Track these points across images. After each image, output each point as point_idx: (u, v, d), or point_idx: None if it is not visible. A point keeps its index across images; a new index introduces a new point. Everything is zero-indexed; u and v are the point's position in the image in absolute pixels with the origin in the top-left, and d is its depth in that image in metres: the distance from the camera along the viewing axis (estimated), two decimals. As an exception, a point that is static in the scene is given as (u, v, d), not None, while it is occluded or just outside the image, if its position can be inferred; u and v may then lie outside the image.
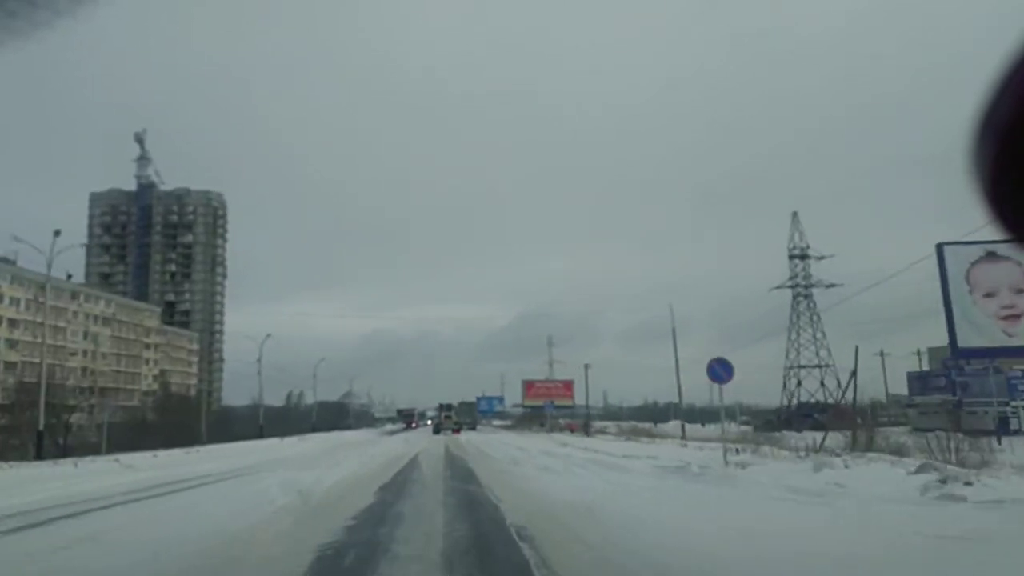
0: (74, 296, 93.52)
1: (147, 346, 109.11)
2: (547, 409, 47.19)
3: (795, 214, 66.53)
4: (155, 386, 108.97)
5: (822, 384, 64.99)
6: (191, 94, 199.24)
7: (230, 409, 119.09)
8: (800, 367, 65.47)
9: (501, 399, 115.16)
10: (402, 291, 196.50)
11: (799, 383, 64.77)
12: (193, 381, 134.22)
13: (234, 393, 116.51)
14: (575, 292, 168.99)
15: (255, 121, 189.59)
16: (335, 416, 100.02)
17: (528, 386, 73.87)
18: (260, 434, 54.27)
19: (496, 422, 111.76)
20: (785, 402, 66.64)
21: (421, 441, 49.36)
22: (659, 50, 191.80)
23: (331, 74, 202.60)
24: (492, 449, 33.30)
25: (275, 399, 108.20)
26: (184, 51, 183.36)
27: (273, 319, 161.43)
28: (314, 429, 69.96)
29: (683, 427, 48.46)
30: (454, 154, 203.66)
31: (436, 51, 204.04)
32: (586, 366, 53.61)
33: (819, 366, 64.64)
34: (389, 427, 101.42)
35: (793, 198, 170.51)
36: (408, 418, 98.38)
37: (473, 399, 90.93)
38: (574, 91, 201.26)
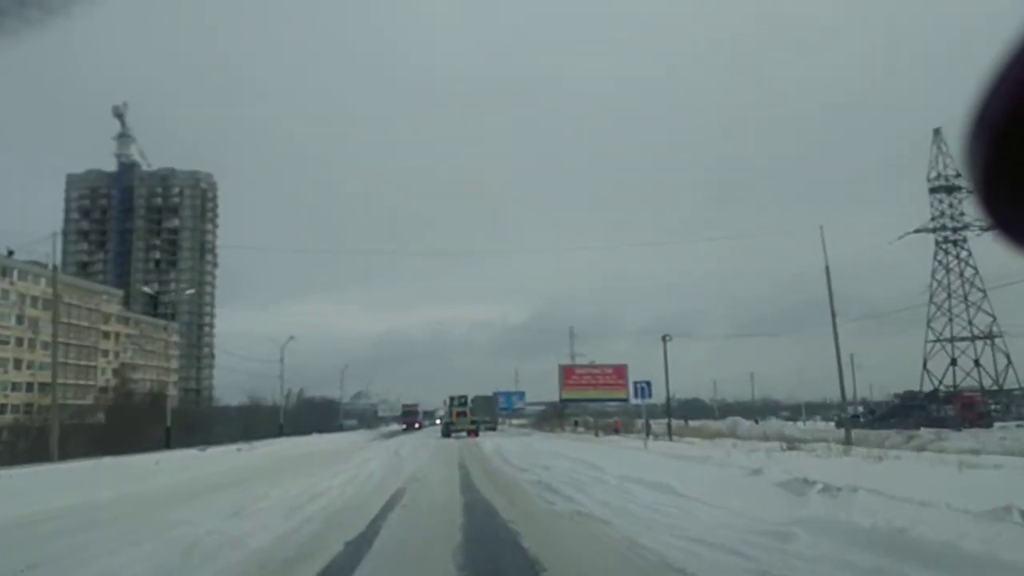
0: (5, 272, 73.92)
1: (105, 335, 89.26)
2: (641, 398, 26.16)
3: (937, 131, 45.77)
4: (116, 382, 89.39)
5: (976, 364, 44.86)
6: (188, 75, 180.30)
7: (219, 410, 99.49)
8: (953, 339, 45.20)
9: (522, 394, 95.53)
10: (415, 289, 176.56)
11: (954, 362, 44.62)
12: (173, 378, 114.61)
13: (229, 392, 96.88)
14: (592, 289, 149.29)
15: (256, 108, 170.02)
16: (324, 416, 79.95)
17: (567, 373, 53.41)
18: (167, 442, 34.25)
19: (514, 421, 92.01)
20: (930, 387, 46.61)
21: (421, 452, 29.48)
22: (685, 29, 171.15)
23: (340, 62, 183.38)
24: (584, 492, 12.58)
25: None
26: (178, 24, 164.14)
27: (283, 318, 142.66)
28: (282, 432, 50.03)
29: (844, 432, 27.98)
30: (469, 148, 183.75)
31: (452, 38, 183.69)
32: (664, 338, 33.77)
33: (974, 338, 44.35)
34: (391, 427, 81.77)
35: (821, 183, 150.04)
36: (411, 416, 77.51)
37: (490, 393, 70.68)
38: (592, 76, 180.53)
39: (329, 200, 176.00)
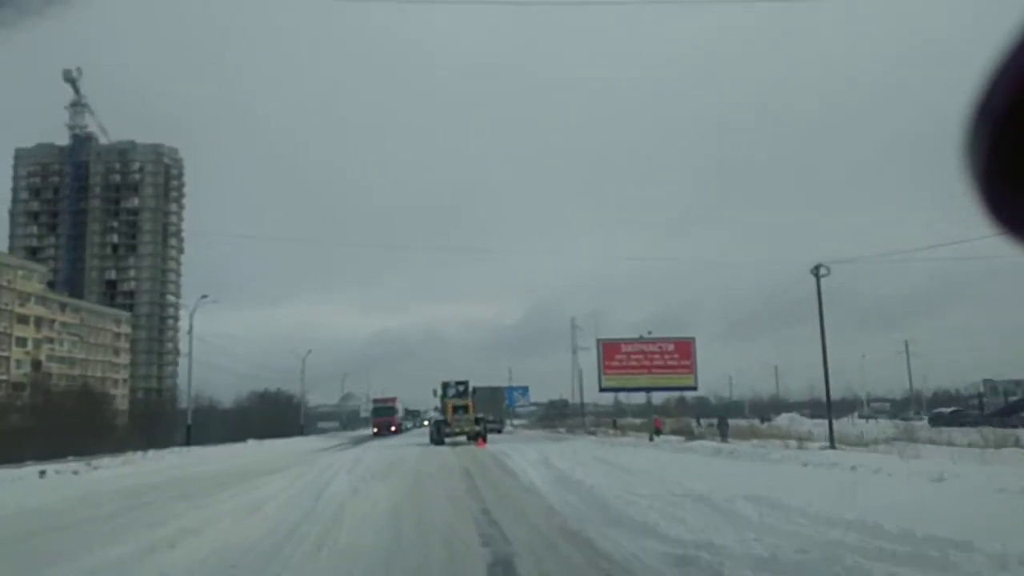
0: None
1: (22, 319, 71.10)
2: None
3: None
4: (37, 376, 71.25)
5: None
6: (156, 38, 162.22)
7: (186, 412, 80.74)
8: None
9: (525, 390, 78.60)
10: (407, 288, 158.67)
11: None
12: (122, 375, 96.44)
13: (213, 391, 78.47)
14: (589, 285, 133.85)
15: (239, 91, 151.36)
16: (286, 417, 61.94)
17: (609, 351, 35.49)
18: None
19: (516, 422, 75.04)
20: None
21: (377, 489, 12.26)
22: (683, 21, 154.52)
23: (328, 48, 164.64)
24: None
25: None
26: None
27: (269, 317, 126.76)
28: (189, 440, 32.47)
29: None
30: (460, 143, 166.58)
31: (447, 26, 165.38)
32: (817, 270, 17.07)
33: None
34: (370, 432, 63.39)
35: (819, 179, 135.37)
36: (385, 415, 54.12)
37: (495, 385, 53.07)
38: (589, 68, 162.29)
39: (317, 193, 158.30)
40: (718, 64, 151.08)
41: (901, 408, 78.61)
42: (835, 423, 42.96)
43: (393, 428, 53.64)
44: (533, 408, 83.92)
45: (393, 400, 58.16)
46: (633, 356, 35.89)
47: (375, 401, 59.03)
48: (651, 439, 34.17)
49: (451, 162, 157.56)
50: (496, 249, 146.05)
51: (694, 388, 36.62)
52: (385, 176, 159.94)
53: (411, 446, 29.39)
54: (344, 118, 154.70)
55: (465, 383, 33.32)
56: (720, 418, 37.56)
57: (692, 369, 35.88)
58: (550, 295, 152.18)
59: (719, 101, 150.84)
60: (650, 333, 36.45)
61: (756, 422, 56.51)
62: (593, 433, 38.41)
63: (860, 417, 71.32)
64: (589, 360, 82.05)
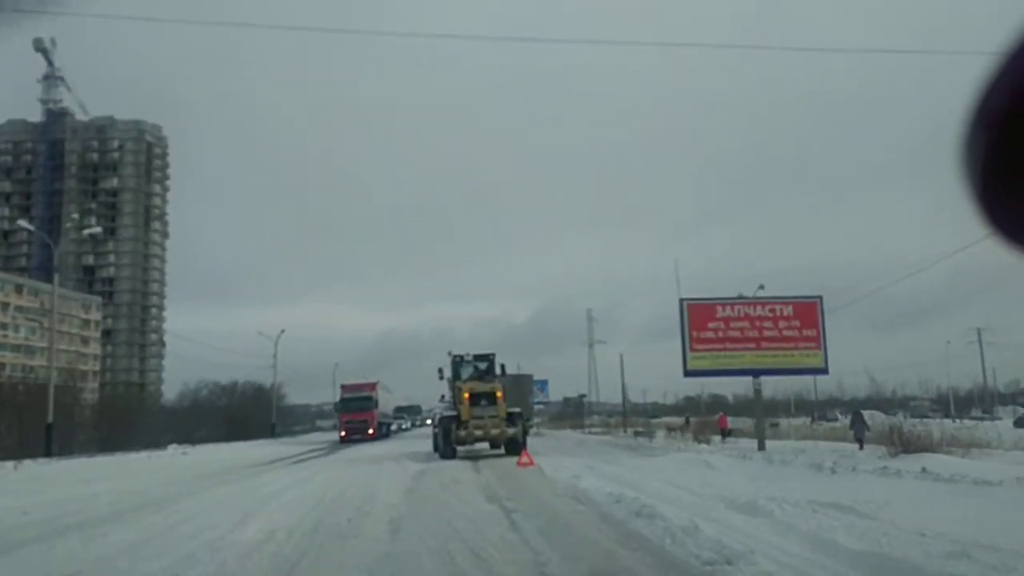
0: None
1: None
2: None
3: None
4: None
5: None
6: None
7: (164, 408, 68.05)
8: None
9: (544, 384, 66.80)
10: (414, 286, 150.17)
11: None
12: (92, 366, 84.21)
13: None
14: (598, 285, 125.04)
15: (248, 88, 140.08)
16: (254, 411, 49.28)
17: (697, 315, 22.84)
18: None
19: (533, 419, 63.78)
20: None
21: None
22: (687, 16, 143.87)
23: (335, 45, 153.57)
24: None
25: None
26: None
27: (281, 318, 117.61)
28: (49, 448, 19.98)
29: None
30: (472, 139, 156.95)
31: (453, 21, 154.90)
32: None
33: None
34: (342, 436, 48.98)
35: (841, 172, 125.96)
36: (356, 410, 36.48)
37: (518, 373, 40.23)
38: (597, 64, 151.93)
39: (321, 190, 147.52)
40: (724, 59, 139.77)
41: (945, 407, 68.25)
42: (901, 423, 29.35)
43: (371, 431, 36.35)
44: (542, 407, 74.05)
45: (371, 387, 38.52)
46: (733, 323, 23.31)
47: (343, 388, 39.58)
48: (761, 447, 21.81)
49: (456, 162, 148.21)
50: (506, 248, 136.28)
51: (824, 371, 23.91)
52: (390, 174, 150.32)
53: (401, 460, 16.91)
54: (348, 112, 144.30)
55: (489, 357, 20.77)
56: (855, 413, 25.12)
57: (820, 343, 23.27)
58: (560, 293, 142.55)
59: (726, 97, 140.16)
60: (762, 288, 23.88)
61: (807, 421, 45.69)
62: (703, 441, 25.80)
63: (912, 416, 60.97)
64: (604, 355, 70.55)
